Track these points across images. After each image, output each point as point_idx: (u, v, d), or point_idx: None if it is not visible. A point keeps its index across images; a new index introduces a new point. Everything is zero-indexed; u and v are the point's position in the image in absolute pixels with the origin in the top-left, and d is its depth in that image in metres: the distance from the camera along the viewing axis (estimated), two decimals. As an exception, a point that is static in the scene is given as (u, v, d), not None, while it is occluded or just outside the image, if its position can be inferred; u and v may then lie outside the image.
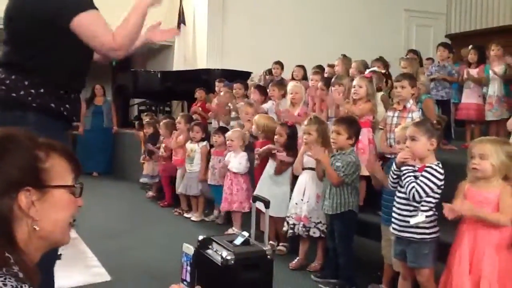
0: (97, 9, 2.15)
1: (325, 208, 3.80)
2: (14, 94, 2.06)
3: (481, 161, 2.61)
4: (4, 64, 2.14)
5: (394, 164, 3.09)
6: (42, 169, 1.18)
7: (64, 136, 2.19)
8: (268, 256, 2.99)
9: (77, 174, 1.29)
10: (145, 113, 8.33)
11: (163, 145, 6.60)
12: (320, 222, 4.02)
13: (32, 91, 2.07)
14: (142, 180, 7.30)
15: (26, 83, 2.06)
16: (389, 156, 3.99)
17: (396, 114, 4.16)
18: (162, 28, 2.54)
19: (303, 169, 4.20)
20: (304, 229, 4.06)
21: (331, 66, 6.70)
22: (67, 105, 2.16)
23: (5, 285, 1.06)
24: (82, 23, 2.05)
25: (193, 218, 5.86)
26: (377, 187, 3.58)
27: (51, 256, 2.17)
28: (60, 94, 2.14)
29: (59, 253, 2.33)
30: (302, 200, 4.11)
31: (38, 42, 2.09)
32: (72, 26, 2.04)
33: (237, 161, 5.09)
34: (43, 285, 1.20)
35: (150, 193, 7.18)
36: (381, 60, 6.09)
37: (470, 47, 6.11)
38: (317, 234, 4.03)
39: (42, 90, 2.08)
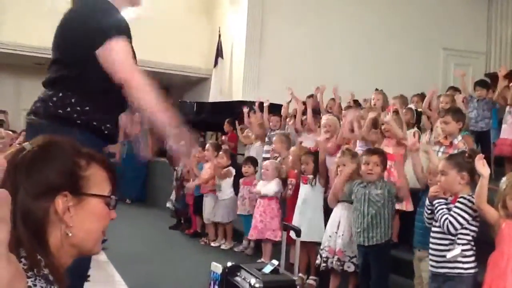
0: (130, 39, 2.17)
1: (367, 240, 3.67)
2: (60, 111, 2.12)
3: None
4: (53, 81, 2.21)
5: (427, 199, 3.03)
6: (81, 176, 1.20)
7: (103, 151, 2.25)
8: (298, 286, 2.94)
9: (114, 188, 1.30)
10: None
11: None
12: (355, 257, 3.91)
13: (78, 108, 2.13)
14: (167, 204, 7.35)
15: (73, 100, 2.13)
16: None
17: (441, 149, 4.05)
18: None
19: (338, 201, 4.14)
20: (338, 263, 3.95)
21: (366, 100, 6.67)
22: (108, 125, 2.21)
23: (34, 285, 1.07)
24: (112, 47, 2.07)
25: (222, 247, 5.84)
26: None
27: (82, 274, 2.18)
28: (104, 114, 2.20)
29: (88, 273, 2.34)
30: (336, 233, 4.03)
31: (85, 61, 2.14)
32: (101, 49, 2.07)
33: (268, 186, 5.11)
34: None
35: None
36: (421, 95, 6.04)
37: (510, 84, 5.99)
38: (352, 269, 3.91)
39: (87, 108, 2.14)
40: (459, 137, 4.02)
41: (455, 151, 3.87)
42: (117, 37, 2.10)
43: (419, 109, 5.61)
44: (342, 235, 3.99)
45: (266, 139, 6.42)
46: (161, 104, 2.12)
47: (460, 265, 2.81)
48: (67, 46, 2.20)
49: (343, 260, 3.94)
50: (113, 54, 2.09)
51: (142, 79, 2.12)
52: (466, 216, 2.80)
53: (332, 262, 3.97)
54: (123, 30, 2.17)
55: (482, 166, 2.71)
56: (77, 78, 2.13)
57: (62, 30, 2.23)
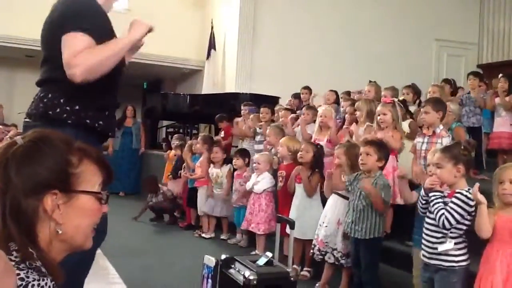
0: (92, 34, 2.09)
1: (353, 232, 3.68)
2: (50, 112, 2.12)
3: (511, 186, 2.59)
4: (43, 82, 2.21)
5: (422, 189, 3.03)
6: (72, 174, 1.19)
7: (99, 147, 2.24)
8: (292, 278, 2.95)
9: (108, 182, 1.28)
10: (175, 135, 8.39)
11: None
12: (336, 249, 3.91)
13: (68, 108, 2.12)
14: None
15: (62, 100, 2.12)
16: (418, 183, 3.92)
17: (425, 140, 4.06)
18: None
19: (333, 192, 4.14)
20: (318, 252, 3.97)
21: (359, 92, 6.68)
22: (100, 122, 2.20)
23: (27, 277, 1.07)
24: (64, 39, 2.05)
25: (222, 237, 5.87)
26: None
27: (82, 268, 2.18)
28: (94, 111, 2.19)
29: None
30: (323, 223, 4.05)
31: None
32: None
33: (259, 183, 5.11)
34: None
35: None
36: (412, 87, 6.04)
37: (500, 75, 6.04)
38: (332, 260, 3.92)
39: (77, 107, 2.13)
40: (441, 126, 4.03)
41: (439, 140, 3.90)
42: (72, 32, 2.05)
43: (404, 98, 5.59)
44: (327, 226, 3.99)
45: (257, 138, 6.40)
46: (114, 43, 2.12)
47: (452, 258, 2.81)
48: (49, 47, 2.19)
49: (324, 251, 3.94)
50: (63, 47, 2.05)
51: (84, 55, 2.02)
52: (462, 212, 2.79)
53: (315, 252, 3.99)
54: (84, 24, 2.09)
55: (478, 194, 2.65)
56: (63, 78, 2.10)
57: (44, 29, 2.22)
